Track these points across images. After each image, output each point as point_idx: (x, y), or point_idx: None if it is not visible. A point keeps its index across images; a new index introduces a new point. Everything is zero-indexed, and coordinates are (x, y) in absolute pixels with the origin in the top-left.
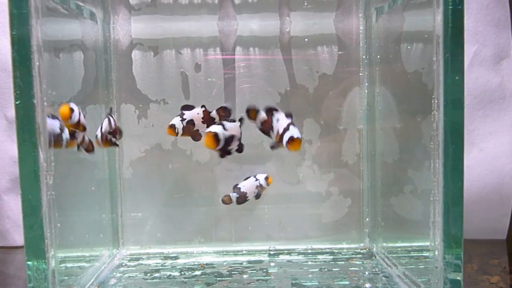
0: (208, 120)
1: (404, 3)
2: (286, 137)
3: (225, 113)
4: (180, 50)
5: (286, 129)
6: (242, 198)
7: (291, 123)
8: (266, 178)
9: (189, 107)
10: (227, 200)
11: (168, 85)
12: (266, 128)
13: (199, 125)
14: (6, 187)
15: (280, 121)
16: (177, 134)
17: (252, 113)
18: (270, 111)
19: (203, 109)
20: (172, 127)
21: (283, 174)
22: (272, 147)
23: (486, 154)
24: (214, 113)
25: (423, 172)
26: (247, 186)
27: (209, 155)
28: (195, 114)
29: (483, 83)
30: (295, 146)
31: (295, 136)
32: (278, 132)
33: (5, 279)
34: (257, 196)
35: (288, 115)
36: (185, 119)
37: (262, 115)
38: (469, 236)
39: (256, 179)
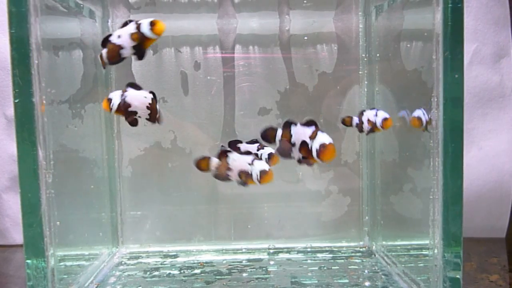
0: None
1: (404, 1)
2: (316, 145)
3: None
4: (179, 48)
5: (313, 137)
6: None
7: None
8: (270, 156)
9: (137, 87)
10: (203, 166)
11: (168, 83)
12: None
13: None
14: (5, 185)
15: (300, 131)
16: (111, 110)
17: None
18: (287, 125)
19: (152, 95)
20: (109, 101)
21: (282, 173)
22: (300, 161)
23: (486, 152)
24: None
25: (423, 171)
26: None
27: (208, 154)
28: (141, 97)
29: (482, 82)
30: (328, 154)
31: (327, 142)
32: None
33: (5, 278)
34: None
35: (311, 123)
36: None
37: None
38: (468, 235)
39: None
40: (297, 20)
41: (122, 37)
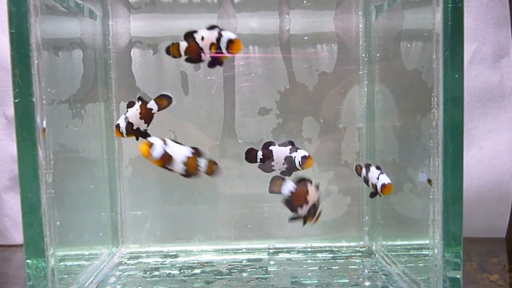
0: (146, 114)
1: (404, 1)
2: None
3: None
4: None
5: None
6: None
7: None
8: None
9: (131, 104)
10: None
11: (168, 83)
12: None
13: (138, 122)
14: (6, 185)
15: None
16: (123, 135)
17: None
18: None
19: (140, 102)
20: (117, 127)
21: None
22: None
23: (486, 152)
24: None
25: (423, 171)
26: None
27: (208, 153)
28: (134, 111)
29: (482, 81)
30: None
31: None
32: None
33: (5, 278)
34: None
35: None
36: (127, 118)
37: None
38: (468, 235)
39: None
40: (297, 20)
41: (205, 41)
